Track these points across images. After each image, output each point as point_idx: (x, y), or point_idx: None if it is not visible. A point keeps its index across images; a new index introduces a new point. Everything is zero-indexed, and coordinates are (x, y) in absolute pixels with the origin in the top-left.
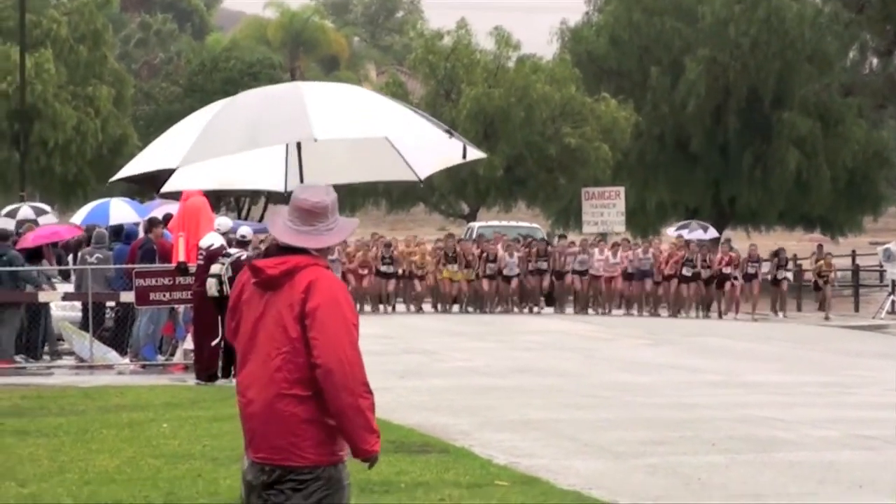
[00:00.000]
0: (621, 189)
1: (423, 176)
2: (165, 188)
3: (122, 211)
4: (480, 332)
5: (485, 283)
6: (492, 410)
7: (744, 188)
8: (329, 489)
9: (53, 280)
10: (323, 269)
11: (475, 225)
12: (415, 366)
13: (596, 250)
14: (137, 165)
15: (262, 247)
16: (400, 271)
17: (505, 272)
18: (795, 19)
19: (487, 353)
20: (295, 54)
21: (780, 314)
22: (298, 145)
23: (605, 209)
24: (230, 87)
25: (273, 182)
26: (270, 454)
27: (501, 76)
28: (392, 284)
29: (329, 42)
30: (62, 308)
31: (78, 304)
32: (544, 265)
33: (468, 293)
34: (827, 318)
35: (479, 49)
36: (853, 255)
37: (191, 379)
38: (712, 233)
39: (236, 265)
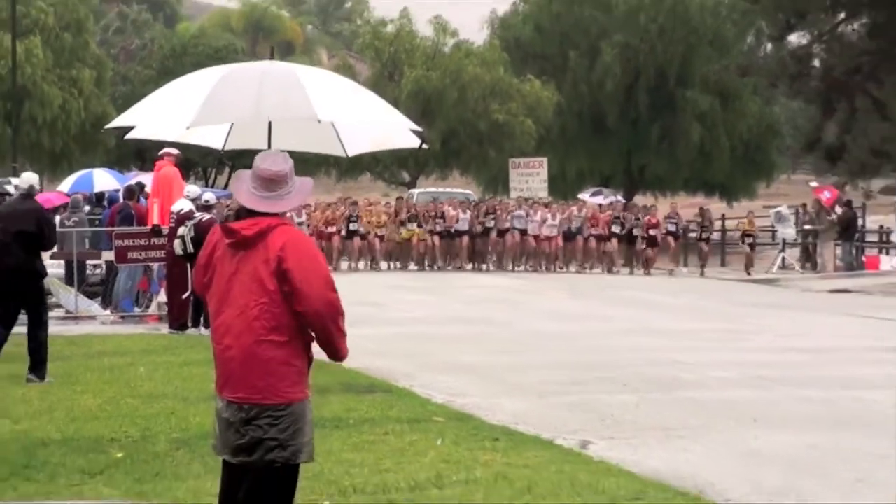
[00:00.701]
0: (544, 159)
1: (350, 153)
2: (136, 133)
3: (104, 179)
4: (425, 286)
5: (437, 240)
6: (430, 355)
7: (652, 158)
8: (299, 422)
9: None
10: (292, 227)
11: (415, 191)
12: (363, 316)
13: (539, 212)
14: (141, 123)
15: (226, 212)
16: (362, 230)
17: (457, 227)
18: (698, 8)
19: (428, 305)
20: (255, 40)
21: (701, 273)
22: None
23: (530, 177)
24: (199, 69)
25: (215, 141)
26: (249, 393)
27: (438, 60)
28: (357, 242)
29: (285, 29)
30: (50, 266)
31: (62, 262)
32: (492, 223)
33: (423, 250)
34: (749, 274)
35: (419, 36)
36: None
37: (164, 328)
38: (620, 198)
39: (199, 227)
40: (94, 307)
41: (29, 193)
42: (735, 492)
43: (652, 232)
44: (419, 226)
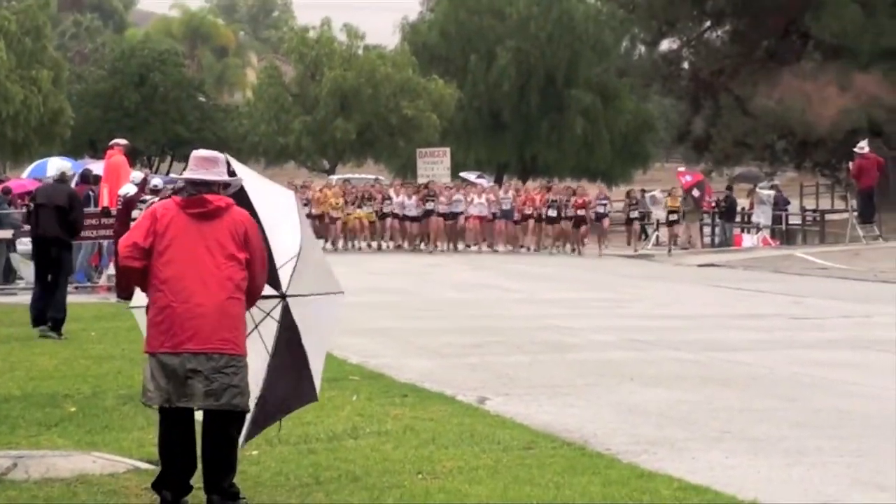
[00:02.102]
0: (447, 149)
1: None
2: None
3: (58, 165)
4: (350, 260)
5: (388, 222)
6: (346, 321)
7: (542, 148)
8: (247, 372)
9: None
10: (245, 212)
11: (333, 178)
12: None
13: (473, 195)
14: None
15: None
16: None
17: (405, 212)
18: (582, 17)
19: (346, 276)
20: (194, 45)
21: (635, 250)
22: None
23: (435, 165)
24: (144, 69)
25: None
26: (219, 345)
27: (354, 62)
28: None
29: (220, 35)
30: (19, 243)
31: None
32: (431, 206)
33: (371, 231)
34: (684, 248)
35: (337, 41)
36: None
37: (112, 298)
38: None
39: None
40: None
41: (62, 179)
42: (616, 442)
43: (580, 212)
44: (371, 209)
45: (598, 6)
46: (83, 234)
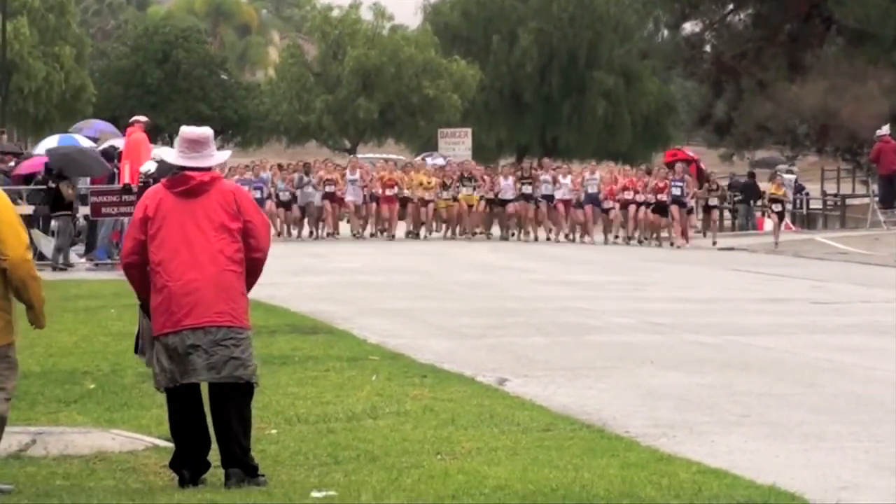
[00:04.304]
0: (468, 130)
1: None
2: None
3: (82, 143)
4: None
5: (481, 206)
6: (365, 301)
7: (564, 130)
8: (251, 346)
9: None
10: (231, 182)
11: (356, 157)
12: (305, 266)
13: (563, 176)
14: None
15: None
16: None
17: (501, 196)
18: None
19: (366, 256)
20: (216, 23)
21: (714, 242)
22: None
23: (456, 145)
24: (167, 47)
25: None
26: (215, 318)
27: (377, 41)
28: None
29: (242, 13)
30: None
31: None
32: (529, 189)
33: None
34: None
35: (361, 20)
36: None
37: None
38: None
39: None
40: (71, 256)
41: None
42: (634, 424)
43: (661, 197)
44: (474, 189)
45: None
46: (104, 211)
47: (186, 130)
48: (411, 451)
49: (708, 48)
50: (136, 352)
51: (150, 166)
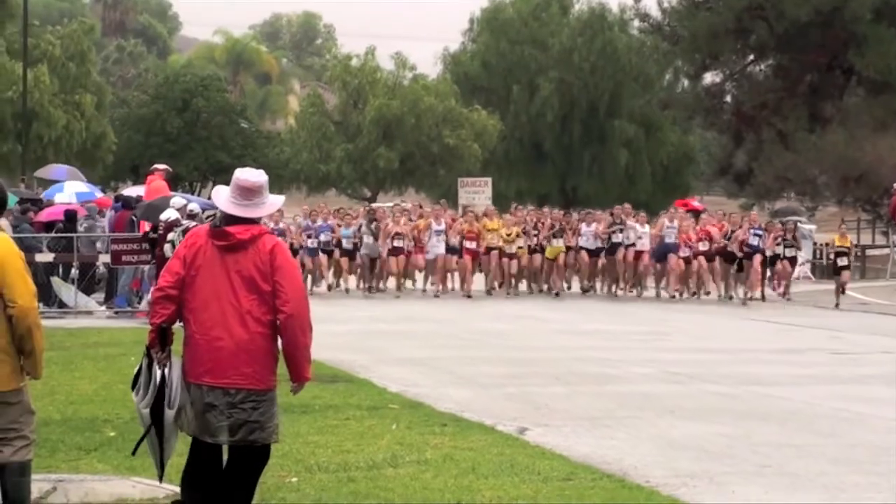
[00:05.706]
0: (489, 179)
1: None
2: None
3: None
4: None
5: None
6: (385, 350)
7: (584, 180)
8: (273, 406)
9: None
10: (275, 236)
11: (376, 206)
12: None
13: (642, 224)
14: None
15: (208, 220)
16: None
17: (581, 243)
18: (625, 48)
19: (381, 305)
20: (236, 71)
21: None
22: None
23: (476, 195)
24: (187, 95)
25: None
26: (236, 380)
27: (398, 91)
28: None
29: (263, 62)
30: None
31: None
32: (619, 238)
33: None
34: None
35: (381, 70)
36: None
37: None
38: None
39: (187, 233)
40: (91, 303)
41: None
42: (655, 474)
43: (746, 249)
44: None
45: (641, 38)
46: (124, 259)
47: (241, 177)
48: (432, 500)
49: (728, 98)
50: (132, 388)
51: (169, 214)
